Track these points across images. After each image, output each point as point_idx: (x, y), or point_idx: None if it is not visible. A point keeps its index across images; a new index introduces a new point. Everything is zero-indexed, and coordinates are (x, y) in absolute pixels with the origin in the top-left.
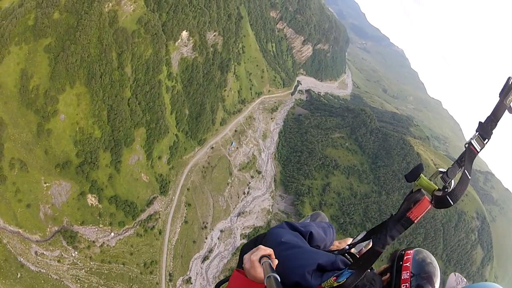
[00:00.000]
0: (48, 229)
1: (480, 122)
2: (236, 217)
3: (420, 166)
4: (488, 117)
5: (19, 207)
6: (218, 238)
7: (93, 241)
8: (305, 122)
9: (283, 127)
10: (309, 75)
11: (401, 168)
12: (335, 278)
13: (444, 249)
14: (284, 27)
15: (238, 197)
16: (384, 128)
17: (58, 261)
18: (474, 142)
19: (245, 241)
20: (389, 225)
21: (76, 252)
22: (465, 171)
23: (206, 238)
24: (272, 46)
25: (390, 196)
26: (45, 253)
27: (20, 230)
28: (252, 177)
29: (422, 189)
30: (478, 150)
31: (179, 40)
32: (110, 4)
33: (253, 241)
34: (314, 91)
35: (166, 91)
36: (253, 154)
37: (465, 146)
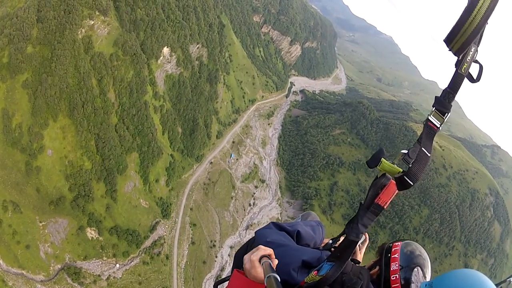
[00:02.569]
0: (51, 268)
1: (436, 97)
2: (244, 231)
3: (381, 150)
4: (444, 90)
5: (19, 248)
6: (229, 255)
7: (99, 275)
8: (304, 123)
9: (282, 131)
10: (301, 75)
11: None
12: (316, 272)
13: (462, 231)
14: (269, 30)
15: (244, 210)
16: (384, 117)
17: None
18: (432, 118)
19: None
20: (359, 214)
21: None
22: (422, 148)
23: (216, 257)
24: (260, 51)
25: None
26: None
27: (23, 272)
28: (256, 187)
29: (387, 174)
30: (438, 126)
31: (161, 57)
32: (83, 30)
33: (245, 246)
34: (308, 91)
35: (154, 111)
36: (254, 163)
37: (423, 123)
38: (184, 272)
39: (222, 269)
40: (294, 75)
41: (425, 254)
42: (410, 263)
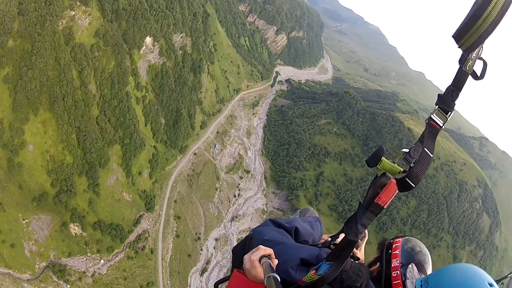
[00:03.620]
0: (37, 266)
1: (439, 95)
2: (230, 223)
3: (381, 149)
4: (448, 87)
5: (4, 247)
6: (214, 248)
7: (84, 272)
8: (289, 112)
9: (267, 121)
10: (287, 65)
11: (394, 146)
12: (314, 271)
13: (450, 222)
14: (255, 20)
15: (229, 201)
16: (371, 107)
17: None
18: (435, 117)
19: None
20: (358, 213)
21: (68, 286)
22: (425, 148)
23: (202, 250)
24: (245, 40)
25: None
26: None
27: (10, 271)
28: (241, 178)
29: (387, 173)
30: (441, 125)
31: (144, 47)
32: (64, 21)
33: (242, 242)
34: (294, 80)
35: (136, 102)
36: (239, 153)
37: (425, 122)
38: (170, 266)
39: (208, 262)
40: (279, 64)
41: (425, 250)
42: (411, 259)
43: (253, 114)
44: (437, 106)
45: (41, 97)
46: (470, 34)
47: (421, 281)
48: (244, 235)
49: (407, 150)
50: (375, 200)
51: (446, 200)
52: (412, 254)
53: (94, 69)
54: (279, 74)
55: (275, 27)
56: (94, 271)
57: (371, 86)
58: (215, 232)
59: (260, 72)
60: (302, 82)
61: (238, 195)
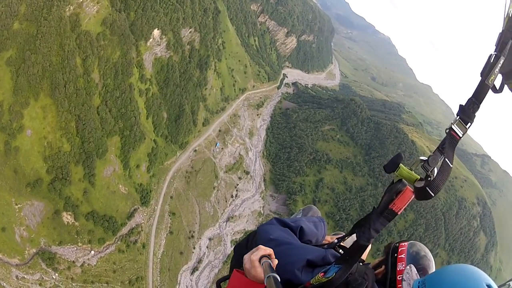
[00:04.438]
0: (27, 252)
1: (461, 105)
2: (225, 223)
3: (399, 155)
4: (469, 99)
5: None
6: (207, 247)
7: (73, 261)
8: (293, 116)
9: (270, 123)
10: (295, 68)
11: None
12: (322, 274)
13: (447, 238)
14: (266, 20)
15: (226, 201)
16: (376, 117)
17: (40, 285)
18: (455, 127)
19: None
20: (372, 218)
21: (57, 274)
22: (446, 159)
23: (194, 248)
24: (255, 40)
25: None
26: (25, 276)
27: None
28: (240, 178)
29: (403, 180)
30: (460, 136)
31: (151, 39)
32: (71, 8)
33: (245, 240)
34: (301, 84)
35: (139, 94)
36: (239, 154)
37: (446, 132)
38: (160, 262)
39: (200, 261)
40: (287, 67)
41: (430, 255)
42: (415, 263)
43: (257, 115)
44: (458, 116)
45: (42, 82)
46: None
47: (419, 283)
48: (238, 237)
49: (425, 158)
50: (390, 206)
51: (445, 216)
52: (417, 258)
53: (98, 57)
54: (286, 77)
55: (285, 29)
56: (84, 262)
57: (378, 96)
58: (209, 231)
59: (268, 73)
60: (309, 86)
61: (236, 195)
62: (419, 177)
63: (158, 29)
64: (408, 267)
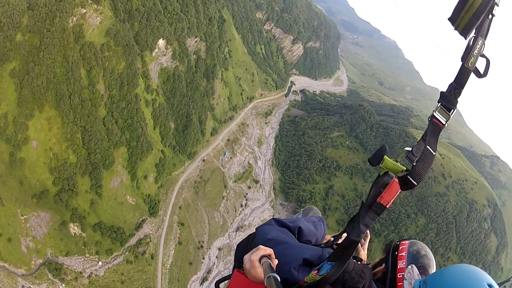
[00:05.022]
0: (33, 262)
1: (442, 92)
2: (234, 233)
3: (383, 147)
4: (450, 84)
5: (1, 241)
6: (217, 257)
7: (80, 272)
8: (302, 123)
9: (279, 131)
10: (302, 75)
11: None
12: (316, 271)
13: (458, 242)
14: (272, 28)
15: (236, 211)
16: (385, 121)
17: None
18: (437, 114)
19: None
20: (361, 213)
21: (63, 285)
22: (427, 146)
23: (203, 258)
24: (261, 48)
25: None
26: (32, 287)
27: (5, 265)
28: (249, 187)
29: (389, 172)
30: (443, 123)
31: (156, 49)
32: (74, 19)
33: (246, 240)
34: (309, 91)
35: (145, 105)
36: (248, 162)
37: (428, 120)
38: (169, 273)
39: (209, 271)
40: (295, 74)
41: (430, 254)
42: (416, 262)
43: (266, 123)
44: (440, 103)
45: (47, 94)
46: (465, 12)
47: (420, 282)
48: None
49: (409, 149)
50: (378, 200)
51: (456, 219)
52: (417, 257)
53: (103, 68)
54: (294, 84)
55: (291, 36)
56: (91, 272)
57: (386, 100)
58: (218, 241)
59: (275, 81)
60: (317, 93)
61: (245, 205)
62: (404, 168)
63: (163, 39)
64: (410, 266)
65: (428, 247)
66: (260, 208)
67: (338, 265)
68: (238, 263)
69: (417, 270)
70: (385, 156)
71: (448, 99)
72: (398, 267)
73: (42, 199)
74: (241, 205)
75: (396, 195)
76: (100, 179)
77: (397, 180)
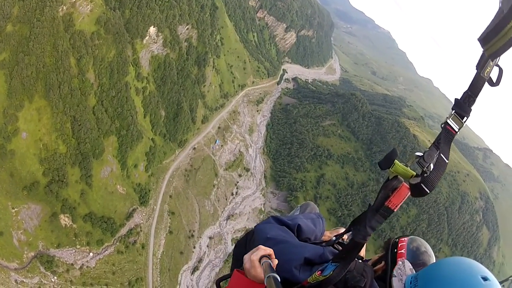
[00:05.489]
0: (25, 255)
1: (456, 99)
2: (225, 221)
3: (394, 151)
4: (464, 92)
5: None
6: (207, 246)
7: (72, 264)
8: (293, 111)
9: (271, 119)
10: (294, 63)
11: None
12: (319, 272)
13: (449, 233)
14: (264, 16)
15: (226, 199)
16: (377, 111)
17: None
18: (451, 122)
19: None
20: (368, 216)
21: (55, 277)
22: (441, 154)
23: (194, 247)
24: (254, 36)
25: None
26: (24, 280)
27: None
28: (240, 175)
29: (399, 176)
30: (456, 130)
31: (147, 37)
32: (64, 7)
33: (244, 240)
34: (301, 79)
35: (136, 93)
36: (239, 150)
37: (441, 126)
38: (160, 263)
39: (200, 261)
40: (287, 62)
41: (430, 251)
42: (416, 259)
43: (257, 111)
44: (454, 110)
45: (36, 84)
46: (498, 39)
47: (411, 278)
48: (239, 235)
49: (420, 154)
50: (386, 203)
51: (447, 211)
52: (417, 254)
53: (93, 57)
54: (286, 72)
55: (284, 24)
56: (83, 264)
57: (378, 90)
58: (209, 230)
59: (267, 68)
60: (309, 81)
61: (236, 193)
62: (414, 173)
63: (154, 27)
64: (400, 262)
65: (420, 237)
66: (251, 196)
67: (342, 266)
68: (237, 262)
69: (410, 265)
70: (396, 160)
71: (462, 107)
72: (397, 264)
73: (32, 191)
74: (232, 194)
75: (404, 199)
76: (90, 169)
77: (406, 184)
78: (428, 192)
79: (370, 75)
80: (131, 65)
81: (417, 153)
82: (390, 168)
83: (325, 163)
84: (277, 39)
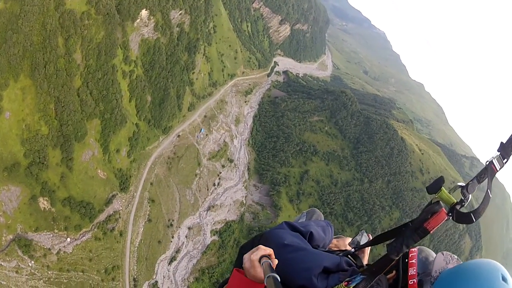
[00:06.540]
0: (3, 238)
1: (502, 143)
2: (205, 212)
3: (441, 178)
4: (510, 138)
5: None
6: (186, 236)
7: (49, 249)
8: (282, 105)
9: (258, 111)
10: (287, 56)
11: (385, 154)
12: (346, 283)
13: (431, 240)
14: (260, 6)
15: (208, 190)
16: (366, 111)
17: (16, 272)
18: (495, 161)
19: (215, 238)
20: (406, 234)
21: (33, 262)
22: (488, 190)
23: (173, 237)
24: (247, 26)
25: (373, 183)
26: (2, 264)
27: None
28: (223, 166)
29: (440, 201)
30: (498, 169)
31: (138, 20)
32: None
33: (251, 241)
34: (292, 73)
35: (123, 76)
36: (224, 141)
37: (485, 164)
38: (138, 251)
39: (178, 251)
40: (279, 55)
41: None
42: (425, 269)
43: (245, 102)
44: (499, 152)
45: (23, 63)
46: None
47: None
48: (218, 227)
49: (463, 185)
50: (424, 225)
51: None
52: (426, 264)
53: (81, 37)
54: (278, 65)
55: (279, 16)
56: (60, 249)
57: (369, 90)
58: (189, 220)
59: (258, 60)
60: (300, 75)
61: (218, 184)
62: (456, 201)
63: (146, 10)
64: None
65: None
66: (233, 188)
67: (369, 279)
68: (240, 263)
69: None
70: (442, 187)
71: (506, 150)
72: (409, 273)
73: (13, 172)
74: (214, 184)
75: (441, 224)
76: (71, 151)
77: (445, 210)
78: (474, 221)
79: (362, 74)
80: (119, 48)
81: (459, 184)
82: (436, 194)
83: (310, 159)
84: (270, 31)
